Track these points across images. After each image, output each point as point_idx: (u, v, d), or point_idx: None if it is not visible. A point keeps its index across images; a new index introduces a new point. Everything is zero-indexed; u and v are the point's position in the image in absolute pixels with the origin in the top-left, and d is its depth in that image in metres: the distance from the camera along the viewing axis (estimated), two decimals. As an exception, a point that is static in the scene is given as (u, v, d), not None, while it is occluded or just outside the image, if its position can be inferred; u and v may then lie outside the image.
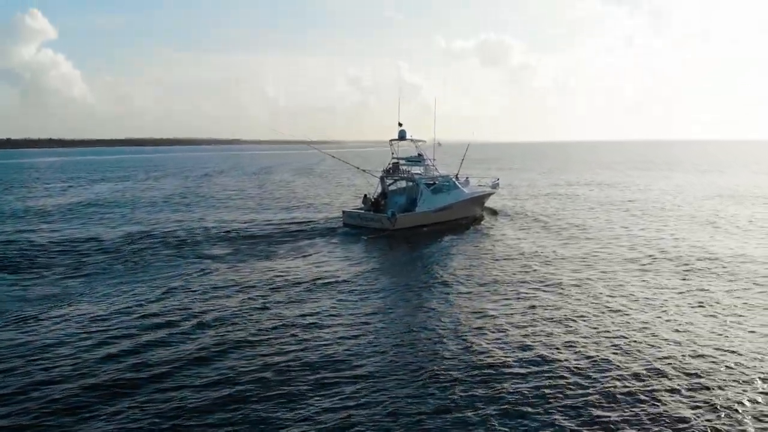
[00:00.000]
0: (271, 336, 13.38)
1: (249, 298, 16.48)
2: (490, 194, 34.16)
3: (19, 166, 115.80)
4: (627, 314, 14.93)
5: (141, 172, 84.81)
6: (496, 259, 21.76)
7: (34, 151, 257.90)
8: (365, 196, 30.43)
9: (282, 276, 19.11)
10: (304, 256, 22.42)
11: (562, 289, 17.32)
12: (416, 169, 30.94)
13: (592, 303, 15.98)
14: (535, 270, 19.66)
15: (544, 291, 17.07)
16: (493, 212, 34.23)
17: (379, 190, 30.79)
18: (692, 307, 15.52)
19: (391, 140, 30.74)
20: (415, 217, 28.44)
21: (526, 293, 16.82)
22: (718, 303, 15.78)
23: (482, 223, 31.33)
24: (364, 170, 32.91)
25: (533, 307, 15.51)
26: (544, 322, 14.36)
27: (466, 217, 31.49)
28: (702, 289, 17.17)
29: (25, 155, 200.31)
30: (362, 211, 29.36)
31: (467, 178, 33.98)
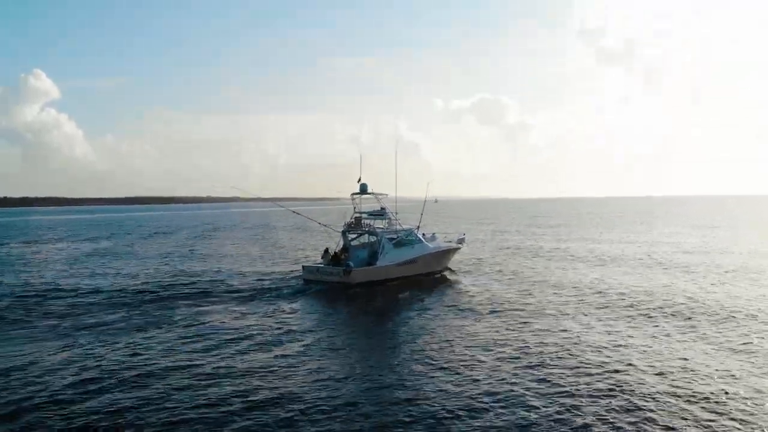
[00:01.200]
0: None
1: (198, 350, 16.43)
2: (455, 249, 33.80)
3: (12, 224, 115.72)
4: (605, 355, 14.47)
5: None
6: (455, 310, 21.82)
7: (30, 210, 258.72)
8: (326, 250, 30.05)
9: (223, 330, 18.96)
10: (256, 312, 21.99)
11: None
12: (379, 224, 30.75)
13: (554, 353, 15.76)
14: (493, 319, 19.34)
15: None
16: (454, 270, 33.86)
17: (341, 244, 30.47)
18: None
19: (353, 194, 30.65)
20: (373, 271, 27.98)
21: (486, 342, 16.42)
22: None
23: (447, 277, 30.92)
24: (325, 225, 32.58)
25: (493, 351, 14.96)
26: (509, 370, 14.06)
27: (430, 272, 31.08)
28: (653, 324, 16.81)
29: (22, 213, 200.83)
30: (322, 264, 28.93)
31: (434, 234, 33.73)
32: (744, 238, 53.24)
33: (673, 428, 10.99)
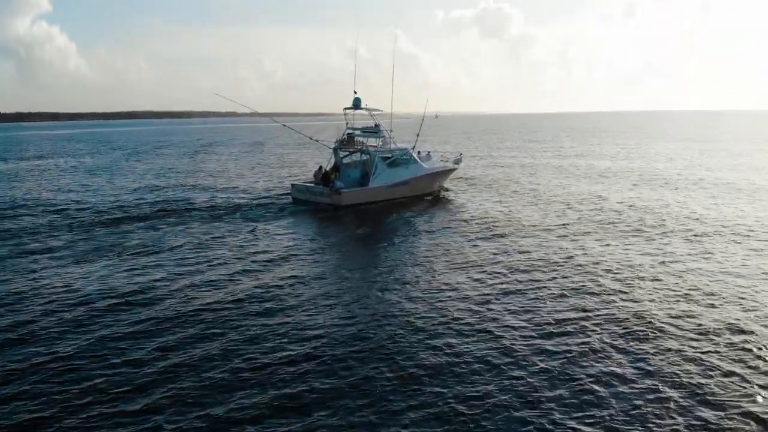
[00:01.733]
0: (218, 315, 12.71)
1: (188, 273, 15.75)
2: (451, 170, 32.27)
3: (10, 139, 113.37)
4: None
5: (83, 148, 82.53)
6: (448, 233, 20.92)
7: (27, 125, 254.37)
8: (319, 167, 28.62)
9: (214, 252, 18.14)
10: (236, 232, 20.98)
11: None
12: (373, 142, 29.11)
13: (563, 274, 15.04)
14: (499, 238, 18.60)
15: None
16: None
17: (333, 162, 28.99)
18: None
19: (345, 109, 28.73)
20: (364, 193, 26.68)
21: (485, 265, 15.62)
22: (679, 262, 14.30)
23: (441, 198, 29.72)
24: (316, 140, 31.02)
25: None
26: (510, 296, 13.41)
27: (425, 193, 29.81)
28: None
29: (19, 129, 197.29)
30: (311, 184, 27.56)
31: (429, 153, 32.12)
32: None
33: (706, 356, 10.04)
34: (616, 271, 15.65)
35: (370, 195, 26.79)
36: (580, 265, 16.23)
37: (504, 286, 14.59)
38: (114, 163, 51.59)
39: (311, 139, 31.11)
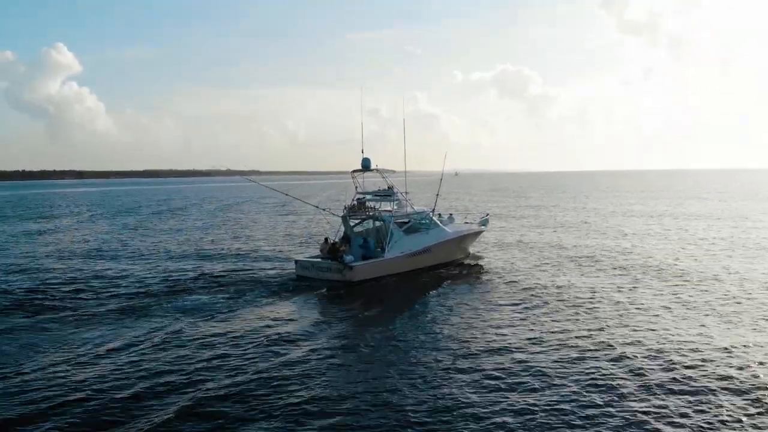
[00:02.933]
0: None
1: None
2: (477, 233, 28.86)
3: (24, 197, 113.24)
4: None
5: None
6: (484, 304, 18.23)
7: (50, 182, 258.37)
8: (325, 239, 25.11)
9: (195, 337, 15.41)
10: (236, 318, 17.70)
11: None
12: (386, 206, 25.89)
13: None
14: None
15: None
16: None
17: (342, 232, 25.64)
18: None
19: (354, 172, 25.71)
20: (379, 265, 23.20)
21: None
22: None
23: (466, 265, 26.13)
24: (323, 209, 27.64)
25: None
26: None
27: (448, 262, 26.29)
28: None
29: (43, 186, 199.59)
30: (318, 260, 23.95)
31: (451, 215, 28.79)
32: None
33: None
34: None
35: (386, 267, 23.32)
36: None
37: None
38: (110, 235, 49.02)
39: (317, 207, 27.70)
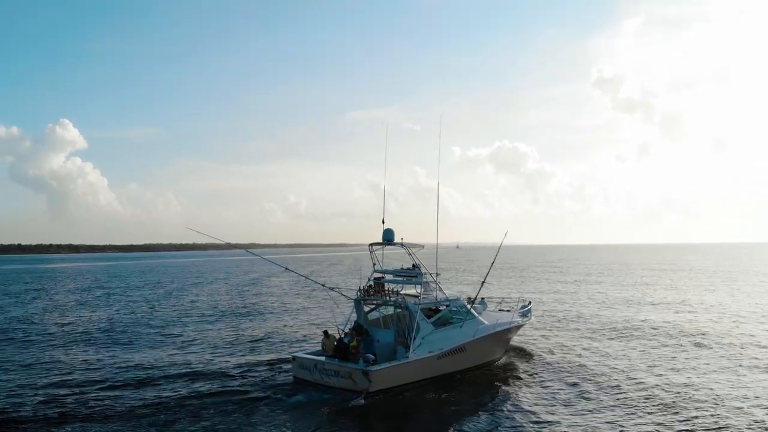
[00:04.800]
0: None
1: None
2: (519, 327, 23.36)
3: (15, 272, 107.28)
4: None
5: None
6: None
7: (38, 257, 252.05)
8: (325, 332, 19.52)
9: None
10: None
11: None
12: (409, 289, 20.67)
13: None
14: None
15: None
16: (523, 352, 23.46)
17: (353, 320, 20.28)
18: None
19: (372, 245, 20.67)
20: (405, 369, 17.68)
21: None
22: None
23: (508, 371, 20.57)
24: (331, 288, 22.42)
25: None
26: None
27: (486, 363, 20.82)
28: None
29: (31, 261, 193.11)
30: (322, 359, 18.40)
31: (483, 299, 23.53)
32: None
33: None
34: None
35: (412, 372, 17.81)
36: None
37: None
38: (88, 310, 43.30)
39: (324, 286, 22.46)
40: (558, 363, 21.29)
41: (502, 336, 21.42)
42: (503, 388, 18.15)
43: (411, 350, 17.98)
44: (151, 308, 40.64)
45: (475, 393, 17.58)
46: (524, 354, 22.84)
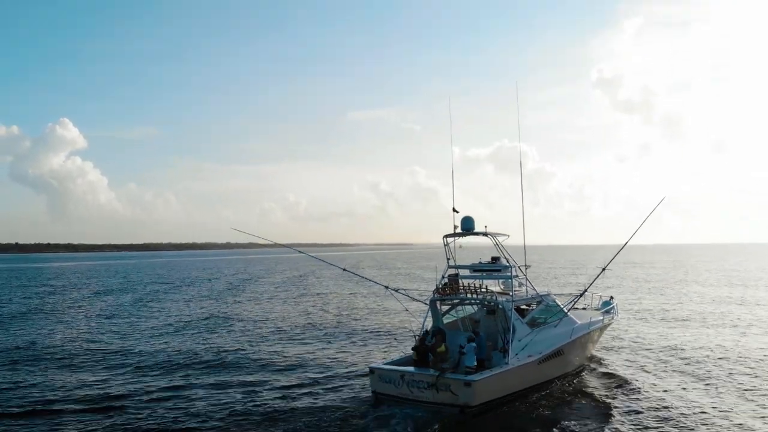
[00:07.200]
0: None
1: None
2: (606, 326, 20.64)
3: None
4: None
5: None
6: None
7: (35, 256, 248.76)
8: (421, 339, 16.38)
9: None
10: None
11: None
12: (492, 286, 17.91)
13: None
14: None
15: None
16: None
17: (429, 323, 17.48)
18: None
19: (447, 236, 17.78)
20: (507, 378, 14.92)
21: None
22: None
23: (596, 376, 17.89)
24: (395, 290, 19.16)
25: None
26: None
27: (579, 367, 18.20)
28: None
29: (27, 260, 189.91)
30: (411, 369, 15.33)
31: (611, 297, 21.14)
32: None
33: None
34: None
35: (514, 380, 15.10)
36: None
37: None
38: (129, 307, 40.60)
39: (387, 288, 18.96)
40: (653, 362, 18.61)
41: (594, 336, 18.77)
42: (606, 399, 15.51)
43: (510, 355, 15.27)
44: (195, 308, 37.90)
45: (581, 405, 14.96)
46: (602, 360, 20.01)
